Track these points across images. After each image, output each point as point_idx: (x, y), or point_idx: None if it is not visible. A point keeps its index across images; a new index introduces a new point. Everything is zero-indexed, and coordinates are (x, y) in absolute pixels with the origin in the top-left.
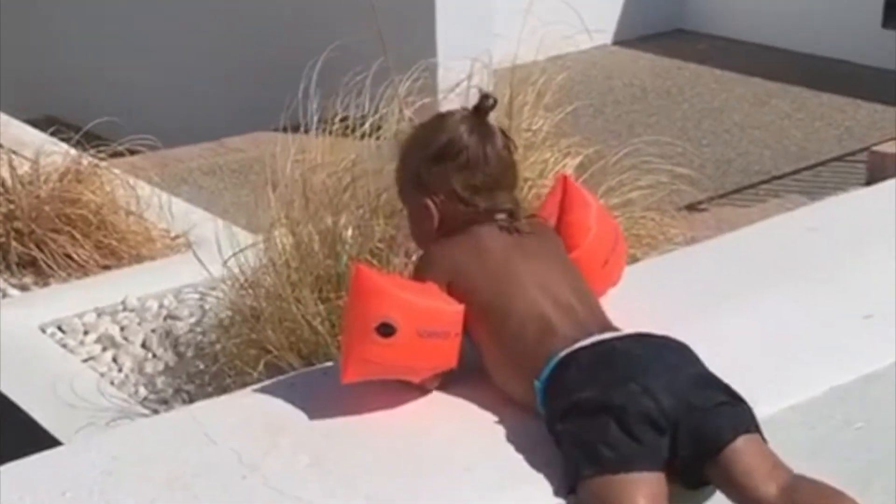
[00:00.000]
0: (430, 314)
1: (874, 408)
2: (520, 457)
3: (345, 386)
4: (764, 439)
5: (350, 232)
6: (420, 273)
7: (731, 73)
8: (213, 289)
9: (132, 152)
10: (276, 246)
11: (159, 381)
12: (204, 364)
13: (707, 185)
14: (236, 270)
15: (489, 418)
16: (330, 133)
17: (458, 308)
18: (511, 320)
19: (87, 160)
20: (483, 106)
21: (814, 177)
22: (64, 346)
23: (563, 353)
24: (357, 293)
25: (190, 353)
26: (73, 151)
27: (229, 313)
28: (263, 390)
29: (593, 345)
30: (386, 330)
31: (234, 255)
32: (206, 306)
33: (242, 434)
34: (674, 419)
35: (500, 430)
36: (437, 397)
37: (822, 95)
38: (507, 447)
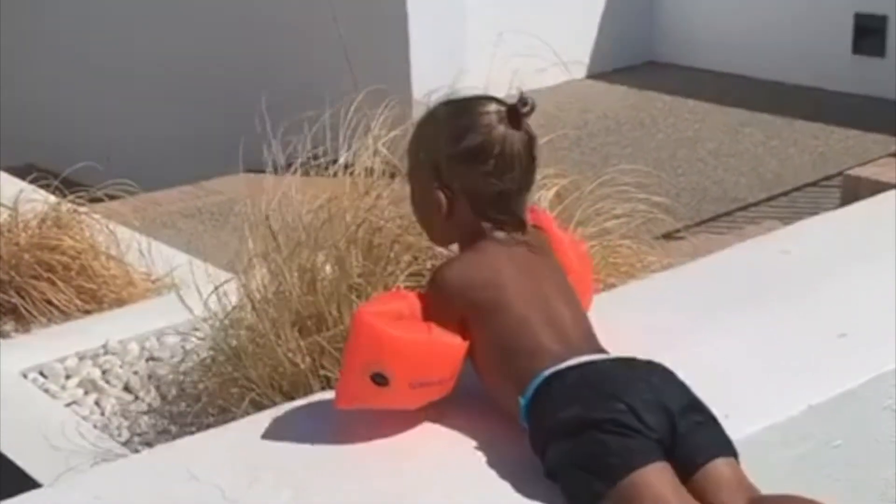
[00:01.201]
0: (427, 366)
1: (852, 426)
2: (507, 483)
3: (327, 419)
4: (737, 461)
5: (329, 268)
6: (435, 294)
7: (703, 104)
8: (195, 329)
9: (111, 197)
10: (253, 284)
11: (143, 423)
12: (187, 404)
13: (683, 213)
14: (216, 310)
15: (475, 444)
16: (306, 172)
17: (458, 351)
18: (506, 336)
19: (66, 206)
20: (520, 109)
21: (790, 203)
22: (46, 390)
23: (548, 372)
24: (356, 338)
25: (173, 394)
26: (52, 198)
27: (211, 353)
28: (246, 426)
29: (580, 365)
30: (379, 380)
31: (212, 293)
32: (188, 347)
33: (225, 470)
34: (658, 434)
35: (486, 457)
36: (424, 425)
37: (794, 123)
38: (491, 474)
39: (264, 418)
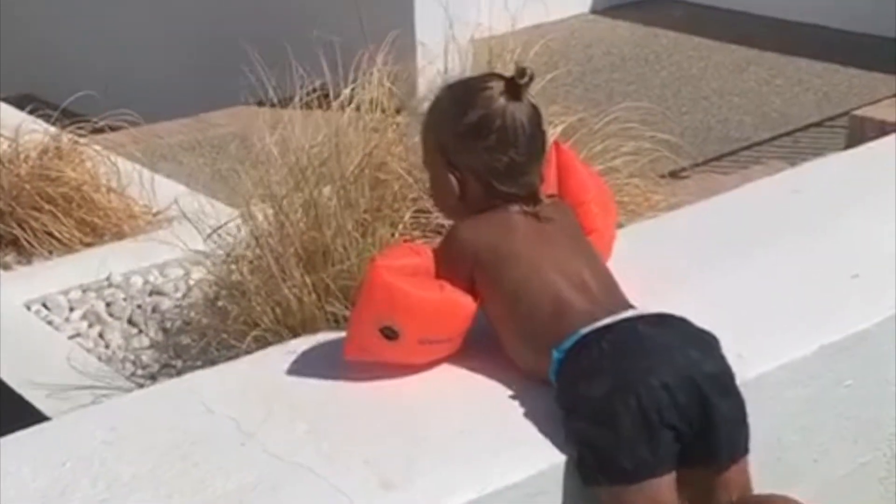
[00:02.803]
0: (437, 324)
1: (863, 366)
2: (519, 420)
3: (340, 355)
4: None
5: (334, 203)
6: (445, 251)
7: (707, 41)
8: (197, 264)
9: (111, 129)
10: (255, 219)
11: (146, 357)
12: (190, 339)
13: (687, 152)
14: (220, 245)
15: (490, 384)
16: (308, 105)
17: (468, 310)
18: (529, 299)
19: (66, 137)
20: (520, 80)
21: (793, 143)
22: (49, 322)
23: (586, 330)
24: (368, 290)
25: (176, 329)
26: (52, 129)
27: (215, 288)
28: (258, 360)
29: (617, 326)
30: (389, 333)
31: (216, 230)
32: (191, 281)
33: (239, 402)
34: (688, 418)
35: (501, 396)
36: (436, 368)
37: (799, 61)
38: (506, 411)
39: (276, 353)
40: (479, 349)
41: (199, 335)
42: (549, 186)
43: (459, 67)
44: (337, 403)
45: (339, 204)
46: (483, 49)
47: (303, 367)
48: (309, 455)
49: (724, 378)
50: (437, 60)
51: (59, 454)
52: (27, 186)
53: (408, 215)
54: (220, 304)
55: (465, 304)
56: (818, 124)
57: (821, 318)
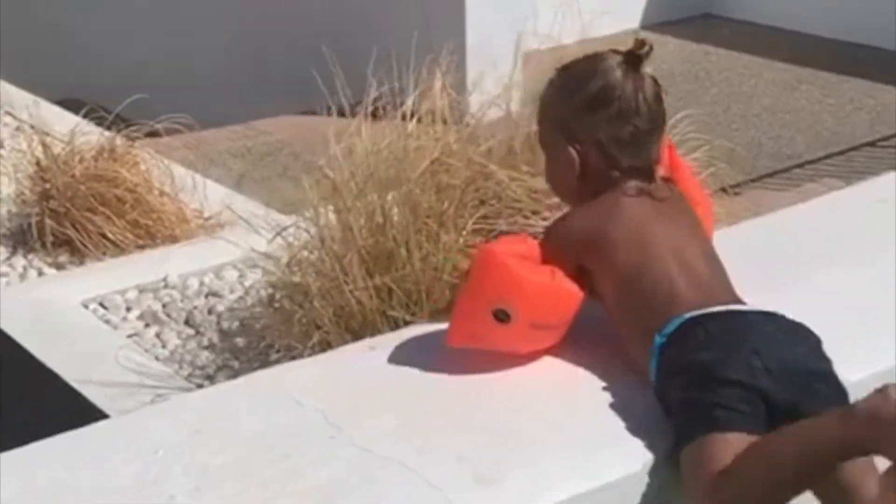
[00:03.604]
0: (549, 308)
1: None
2: (614, 417)
3: (428, 350)
4: None
5: (397, 209)
6: (553, 240)
7: (758, 59)
8: (253, 267)
9: (162, 134)
10: (321, 222)
11: (203, 358)
12: (247, 340)
13: (739, 167)
14: (281, 248)
15: (586, 379)
16: (365, 116)
17: (577, 298)
18: (640, 286)
19: (120, 140)
20: (638, 51)
21: (846, 161)
22: (107, 322)
23: (689, 315)
24: (483, 272)
25: (233, 330)
26: (106, 133)
27: (271, 290)
28: (344, 354)
29: (725, 313)
30: (502, 316)
31: (280, 232)
32: (247, 283)
33: (327, 395)
34: (783, 409)
35: (597, 391)
36: (529, 364)
37: (851, 81)
38: (601, 407)
39: (362, 347)
40: (578, 343)
41: (258, 337)
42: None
43: (508, 79)
44: (426, 397)
45: (404, 209)
46: (532, 62)
47: (388, 361)
48: (400, 449)
49: (827, 376)
50: (488, 73)
51: (150, 442)
52: (82, 188)
53: (471, 222)
54: (279, 306)
55: (575, 292)
56: (872, 143)
57: None
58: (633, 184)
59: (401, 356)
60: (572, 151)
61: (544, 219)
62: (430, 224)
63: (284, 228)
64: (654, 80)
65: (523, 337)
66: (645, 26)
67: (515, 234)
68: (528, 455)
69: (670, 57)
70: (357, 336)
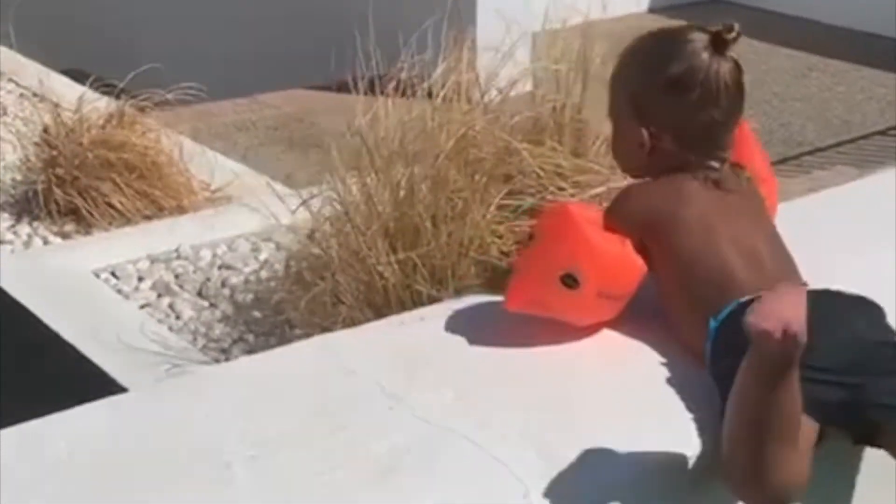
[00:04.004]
0: (617, 278)
1: None
2: (676, 397)
3: (478, 321)
4: None
5: (423, 184)
6: (617, 212)
7: (769, 45)
8: (266, 240)
9: (165, 104)
10: (345, 195)
11: (218, 330)
12: (263, 314)
13: None
14: (297, 222)
15: (647, 354)
16: (382, 91)
17: (642, 271)
18: (699, 270)
19: (129, 109)
20: (725, 35)
21: (857, 149)
22: (119, 291)
23: (745, 299)
24: (557, 233)
25: (248, 303)
26: (114, 103)
27: (293, 263)
28: (393, 324)
29: None
30: (569, 282)
31: (304, 202)
32: (261, 256)
33: (382, 365)
34: (850, 381)
35: (657, 367)
36: (587, 339)
37: (862, 70)
38: (663, 384)
39: (412, 318)
40: (633, 319)
41: (274, 311)
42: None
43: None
44: (482, 369)
45: (429, 183)
46: (541, 43)
47: (441, 331)
48: (461, 422)
49: (891, 346)
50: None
51: (202, 406)
52: (90, 155)
53: (498, 198)
54: (299, 279)
55: (642, 265)
56: (883, 132)
57: None
58: (702, 172)
59: (453, 327)
60: (644, 133)
61: (571, 195)
62: (455, 199)
63: (308, 199)
64: (738, 66)
65: (588, 306)
66: (653, 9)
67: (581, 203)
68: (591, 432)
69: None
70: (379, 312)
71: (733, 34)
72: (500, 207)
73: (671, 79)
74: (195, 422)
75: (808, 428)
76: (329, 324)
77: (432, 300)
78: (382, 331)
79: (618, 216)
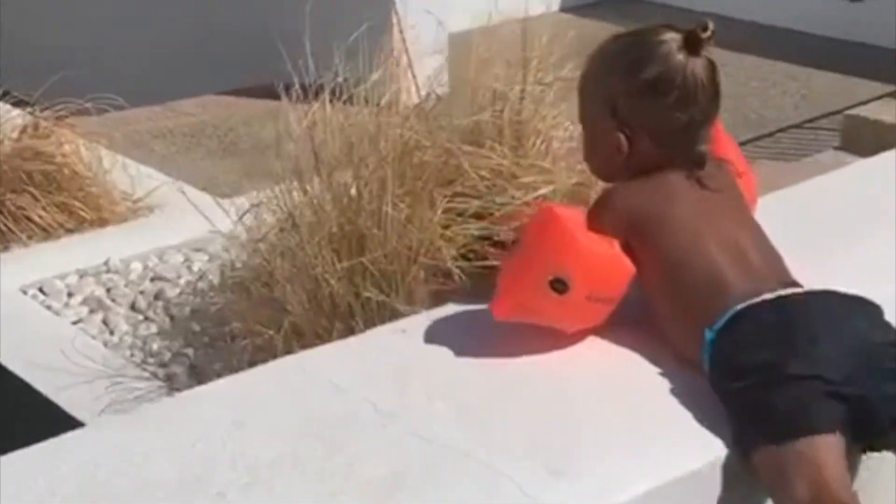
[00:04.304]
0: (607, 280)
1: None
2: (679, 406)
3: (461, 331)
4: None
5: (362, 188)
6: (601, 212)
7: None
8: (198, 250)
9: (85, 113)
10: (286, 202)
11: (155, 345)
12: (202, 326)
13: None
14: (233, 231)
15: (641, 362)
16: (316, 98)
17: (631, 273)
18: (687, 273)
19: (44, 121)
20: (700, 34)
21: (774, 143)
22: (48, 307)
23: (741, 306)
24: (545, 236)
25: (185, 316)
26: (26, 114)
27: (233, 273)
28: (373, 337)
29: (775, 301)
30: (559, 286)
31: (249, 210)
32: (194, 267)
33: (370, 382)
34: (857, 391)
35: (655, 376)
36: (579, 346)
37: (774, 65)
38: (664, 393)
39: (391, 330)
40: (620, 323)
41: (213, 322)
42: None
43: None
44: (474, 382)
45: (374, 189)
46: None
47: (424, 343)
48: (460, 437)
49: (893, 346)
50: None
51: (186, 434)
52: (5, 168)
53: (444, 202)
54: (238, 288)
55: (630, 266)
56: (798, 126)
57: None
58: (678, 172)
59: (436, 338)
60: (622, 137)
61: (513, 198)
62: (400, 205)
63: (251, 208)
64: (712, 64)
65: (577, 311)
66: (565, 8)
67: (563, 205)
68: (598, 445)
69: (592, 40)
70: (328, 320)
71: (708, 33)
72: (446, 211)
73: (648, 81)
74: (182, 449)
75: (838, 448)
76: (274, 333)
77: (383, 307)
78: (366, 345)
79: (602, 217)
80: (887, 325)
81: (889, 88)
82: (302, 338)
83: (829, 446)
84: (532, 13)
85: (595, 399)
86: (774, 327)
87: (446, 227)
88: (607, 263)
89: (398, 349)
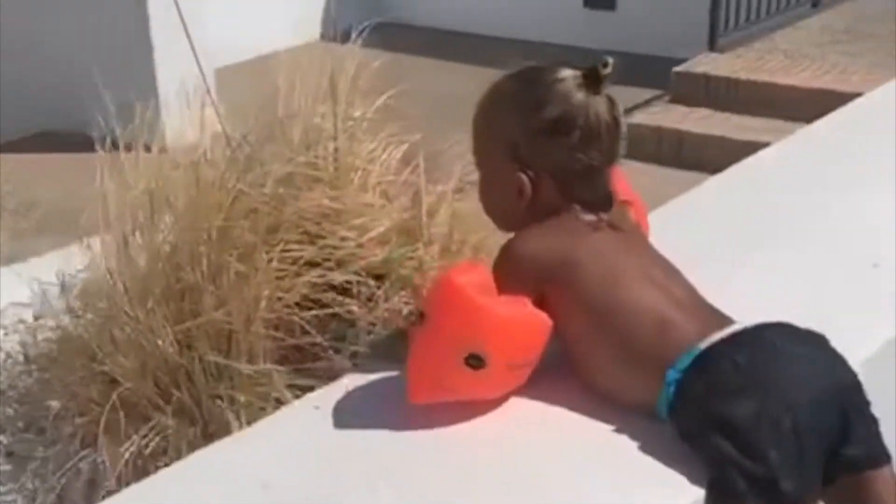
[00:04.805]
0: (525, 345)
1: None
2: (630, 456)
3: (379, 402)
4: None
5: (190, 244)
6: (506, 270)
7: (445, 62)
8: None
9: None
10: (101, 265)
11: None
12: (12, 408)
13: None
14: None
15: (576, 417)
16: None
17: (548, 328)
18: (620, 316)
19: None
20: (601, 71)
21: None
22: None
23: (704, 345)
24: (448, 310)
25: None
26: None
27: (32, 348)
28: (286, 418)
29: (746, 338)
30: (475, 363)
31: (61, 274)
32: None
33: (297, 472)
34: (838, 436)
35: (598, 428)
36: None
37: None
38: (615, 446)
39: (303, 409)
40: (540, 375)
41: (21, 402)
42: None
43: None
44: (413, 457)
45: (196, 242)
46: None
47: (341, 422)
48: None
49: (856, 382)
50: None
51: None
52: None
53: (276, 251)
54: (52, 363)
55: (546, 321)
56: None
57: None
58: (586, 213)
59: (354, 413)
60: (524, 178)
61: (343, 239)
62: (229, 258)
63: (74, 274)
64: (612, 102)
65: (499, 381)
66: (326, 37)
67: (468, 261)
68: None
69: (364, 68)
70: (166, 389)
71: (608, 69)
72: (278, 261)
73: (550, 121)
74: None
75: None
76: (104, 409)
77: (223, 369)
78: (277, 430)
79: (508, 275)
80: (850, 368)
81: (648, 94)
82: (135, 408)
83: None
84: (293, 44)
85: (545, 459)
86: (751, 371)
87: (281, 277)
88: (523, 327)
89: (318, 430)
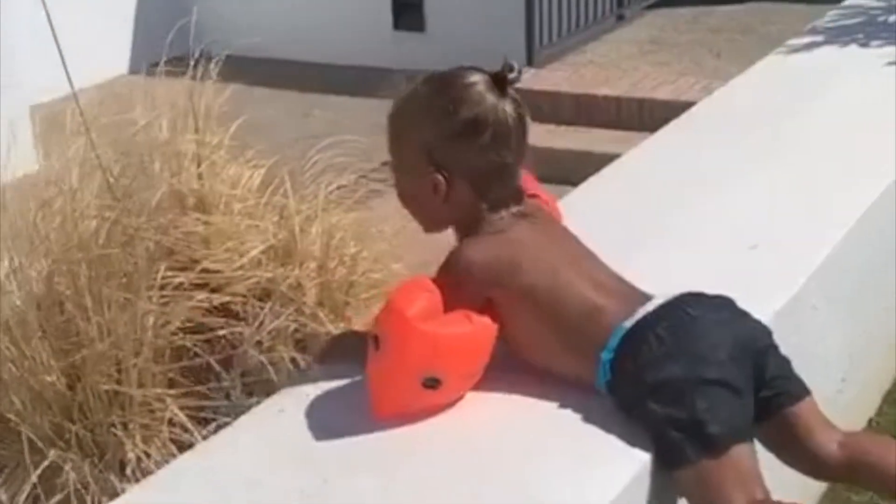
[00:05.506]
0: (475, 357)
1: None
2: (581, 438)
3: (341, 400)
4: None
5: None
6: (456, 275)
7: (264, 90)
8: None
9: None
10: None
11: None
12: None
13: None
14: None
15: (527, 402)
16: None
17: (494, 333)
18: (562, 305)
19: None
20: (507, 74)
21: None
22: None
23: (629, 323)
24: (401, 343)
25: None
26: None
27: None
28: (253, 420)
29: (663, 313)
30: (432, 383)
31: None
32: None
33: (281, 467)
34: (757, 382)
35: (546, 412)
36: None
37: (369, 101)
38: (561, 426)
39: (269, 412)
40: (490, 368)
41: None
42: None
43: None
44: (386, 454)
45: (78, 277)
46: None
47: (317, 423)
48: None
49: (767, 332)
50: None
51: None
52: None
53: (158, 277)
54: None
55: (492, 327)
56: None
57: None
58: (508, 210)
59: (325, 414)
60: (438, 177)
61: (221, 261)
62: (110, 289)
63: None
64: (519, 104)
65: (455, 390)
66: (135, 71)
67: (414, 279)
68: (537, 492)
69: (179, 97)
70: (69, 418)
71: (515, 73)
72: (162, 287)
73: (460, 124)
74: None
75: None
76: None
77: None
78: (247, 430)
79: (460, 282)
80: (758, 321)
81: None
82: (31, 444)
83: (753, 452)
84: (97, 80)
85: (512, 447)
86: (673, 340)
87: (165, 303)
88: (471, 343)
89: (293, 431)
